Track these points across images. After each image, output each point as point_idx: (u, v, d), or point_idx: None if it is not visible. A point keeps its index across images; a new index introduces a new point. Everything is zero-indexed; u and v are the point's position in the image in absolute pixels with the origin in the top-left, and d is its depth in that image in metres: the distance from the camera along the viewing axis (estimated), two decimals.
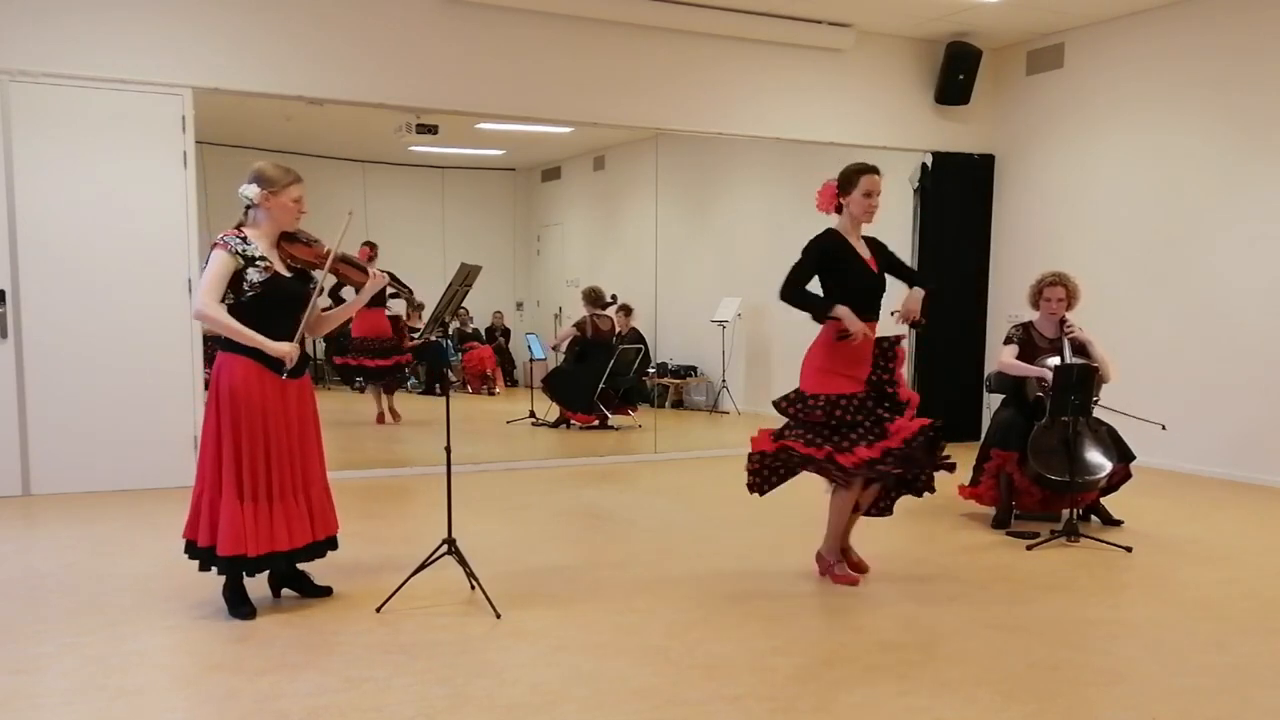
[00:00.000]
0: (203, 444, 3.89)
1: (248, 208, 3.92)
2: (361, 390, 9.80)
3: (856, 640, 3.76)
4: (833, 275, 4.35)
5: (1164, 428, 5.63)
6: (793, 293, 4.28)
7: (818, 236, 4.38)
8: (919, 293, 4.39)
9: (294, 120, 8.38)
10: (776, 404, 4.39)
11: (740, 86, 7.93)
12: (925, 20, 7.98)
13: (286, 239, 3.97)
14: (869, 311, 4.35)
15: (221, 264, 3.78)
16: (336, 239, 3.97)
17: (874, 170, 4.33)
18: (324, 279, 4.07)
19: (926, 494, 4.53)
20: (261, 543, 3.83)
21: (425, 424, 9.52)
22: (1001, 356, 5.67)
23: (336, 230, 3.97)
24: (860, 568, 4.57)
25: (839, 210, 4.39)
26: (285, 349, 3.85)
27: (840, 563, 4.50)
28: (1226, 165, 7.17)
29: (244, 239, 3.85)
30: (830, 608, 4.16)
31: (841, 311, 4.22)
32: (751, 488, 4.54)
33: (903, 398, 4.39)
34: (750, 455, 4.53)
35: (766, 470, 4.50)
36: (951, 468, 4.46)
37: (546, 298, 12.65)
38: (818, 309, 4.28)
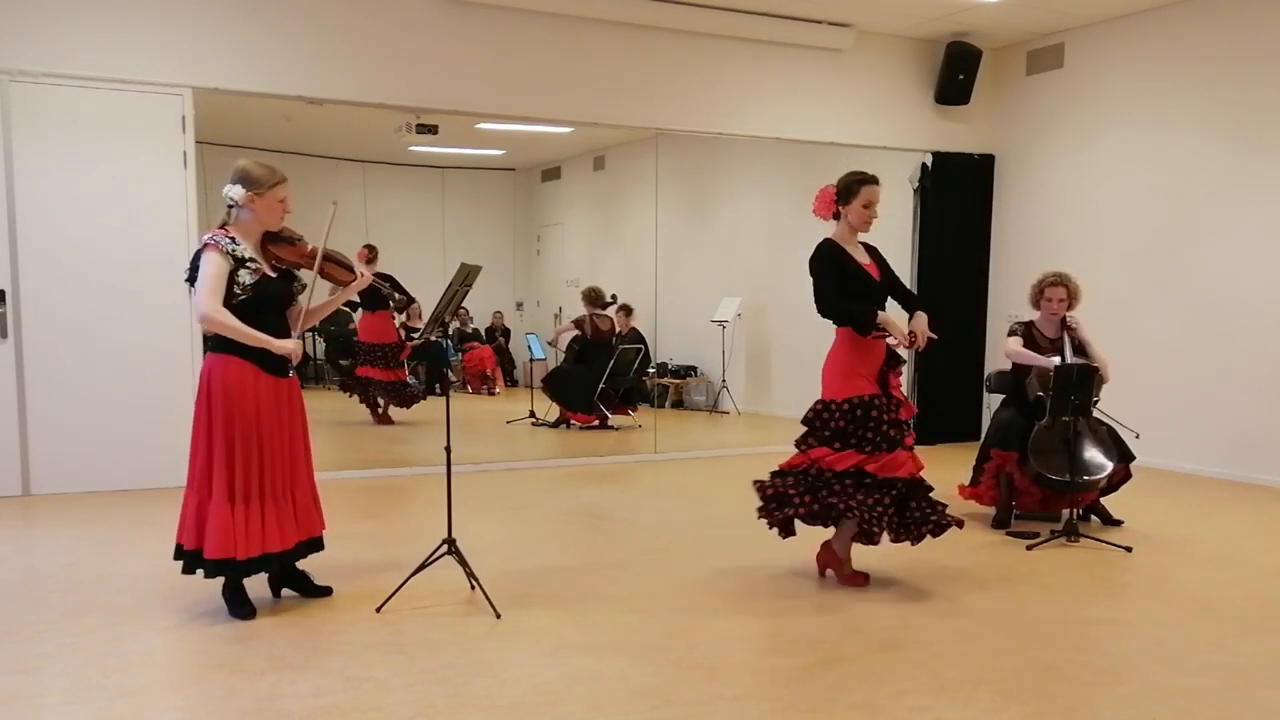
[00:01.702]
0: (193, 446, 3.86)
1: (230, 208, 3.87)
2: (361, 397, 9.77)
3: (856, 640, 3.77)
4: (838, 284, 4.26)
5: (1137, 435, 5.59)
6: (832, 307, 4.21)
7: (821, 247, 4.29)
8: (924, 316, 4.33)
9: (294, 120, 8.38)
10: (806, 419, 4.33)
11: (740, 86, 7.93)
12: (925, 20, 7.98)
13: (270, 239, 3.94)
14: None
15: (216, 265, 3.75)
16: (323, 232, 3.95)
17: (874, 180, 4.27)
18: (313, 280, 4.03)
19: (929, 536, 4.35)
20: (252, 546, 3.81)
21: (425, 424, 9.52)
22: (1007, 345, 5.65)
23: (322, 224, 3.96)
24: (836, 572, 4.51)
25: (836, 217, 4.33)
26: (290, 346, 3.84)
27: (849, 562, 4.48)
28: (1226, 165, 7.17)
29: (233, 239, 3.82)
30: (830, 608, 4.16)
31: (886, 320, 4.19)
32: (768, 516, 4.39)
33: (903, 414, 4.32)
34: (768, 477, 4.40)
35: (783, 496, 4.33)
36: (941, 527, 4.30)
37: (546, 298, 12.65)
38: (863, 321, 4.18)
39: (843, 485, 4.21)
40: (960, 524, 4.35)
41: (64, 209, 6.18)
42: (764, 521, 4.44)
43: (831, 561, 4.52)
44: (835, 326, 4.30)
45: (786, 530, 4.44)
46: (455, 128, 8.54)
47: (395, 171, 11.61)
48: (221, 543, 3.76)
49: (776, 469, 4.44)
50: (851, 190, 4.25)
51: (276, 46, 6.55)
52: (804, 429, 4.35)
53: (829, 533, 4.52)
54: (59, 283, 6.19)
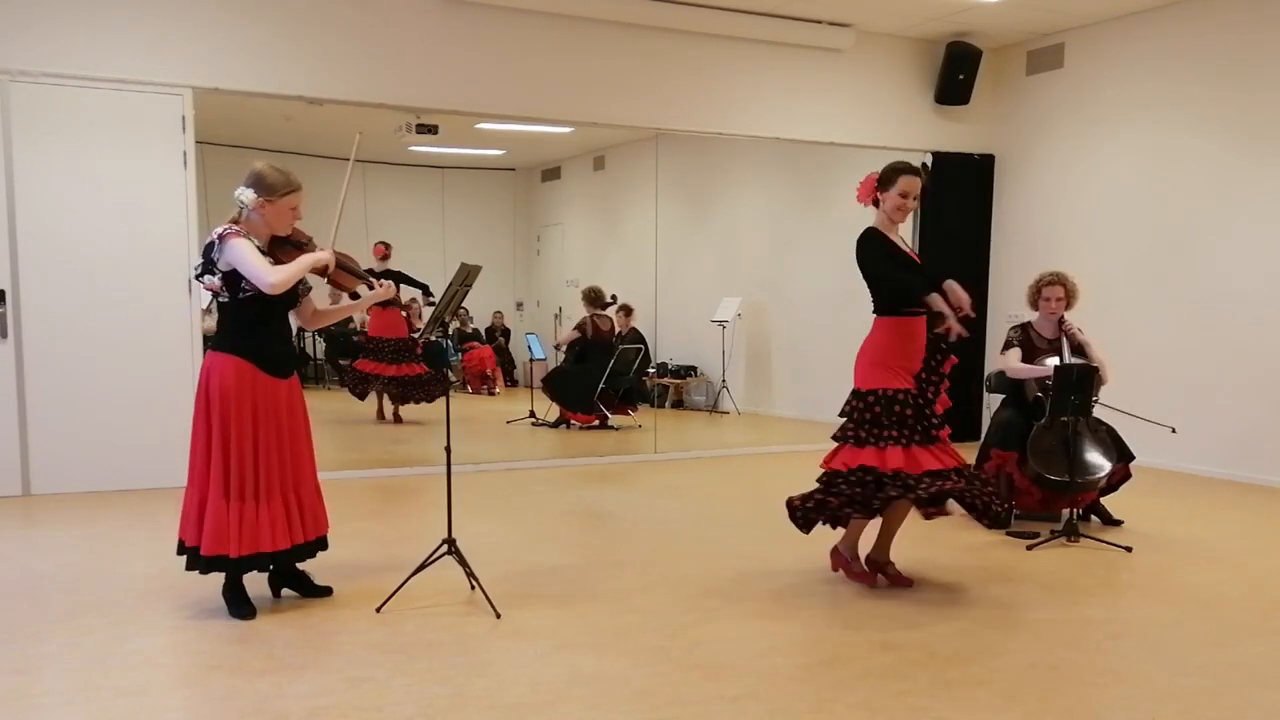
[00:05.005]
0: (192, 445, 3.87)
1: (240, 209, 3.86)
2: (363, 397, 9.78)
3: (856, 640, 3.76)
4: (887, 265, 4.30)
5: (1174, 430, 5.62)
6: (888, 275, 4.23)
7: (864, 234, 4.30)
8: (953, 282, 4.26)
9: (294, 120, 8.38)
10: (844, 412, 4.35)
11: (740, 86, 7.93)
12: (925, 20, 7.98)
13: (278, 243, 3.93)
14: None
15: (249, 247, 3.73)
16: (346, 168, 3.95)
17: (915, 172, 4.28)
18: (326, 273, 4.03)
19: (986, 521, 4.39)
20: (245, 543, 3.81)
21: (425, 424, 9.53)
22: (1007, 361, 5.63)
23: (328, 225, 3.96)
24: (900, 581, 4.46)
25: (876, 204, 4.34)
26: (325, 256, 3.90)
27: (856, 560, 4.48)
28: (1226, 165, 7.17)
29: (246, 235, 3.81)
30: (830, 608, 4.16)
31: (933, 299, 4.17)
32: (802, 521, 4.37)
33: (939, 409, 4.31)
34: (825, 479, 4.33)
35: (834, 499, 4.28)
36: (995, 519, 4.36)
37: (546, 298, 12.64)
38: (914, 286, 4.19)
39: (849, 483, 4.22)
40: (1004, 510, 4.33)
41: (64, 209, 6.18)
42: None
43: (840, 563, 4.55)
44: (875, 316, 4.30)
45: (808, 527, 4.43)
46: (455, 128, 8.53)
47: (395, 171, 11.60)
48: (216, 539, 3.78)
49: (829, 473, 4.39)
50: (890, 179, 4.26)
51: (276, 46, 6.55)
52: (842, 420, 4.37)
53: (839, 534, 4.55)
54: (59, 283, 6.19)
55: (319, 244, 4.01)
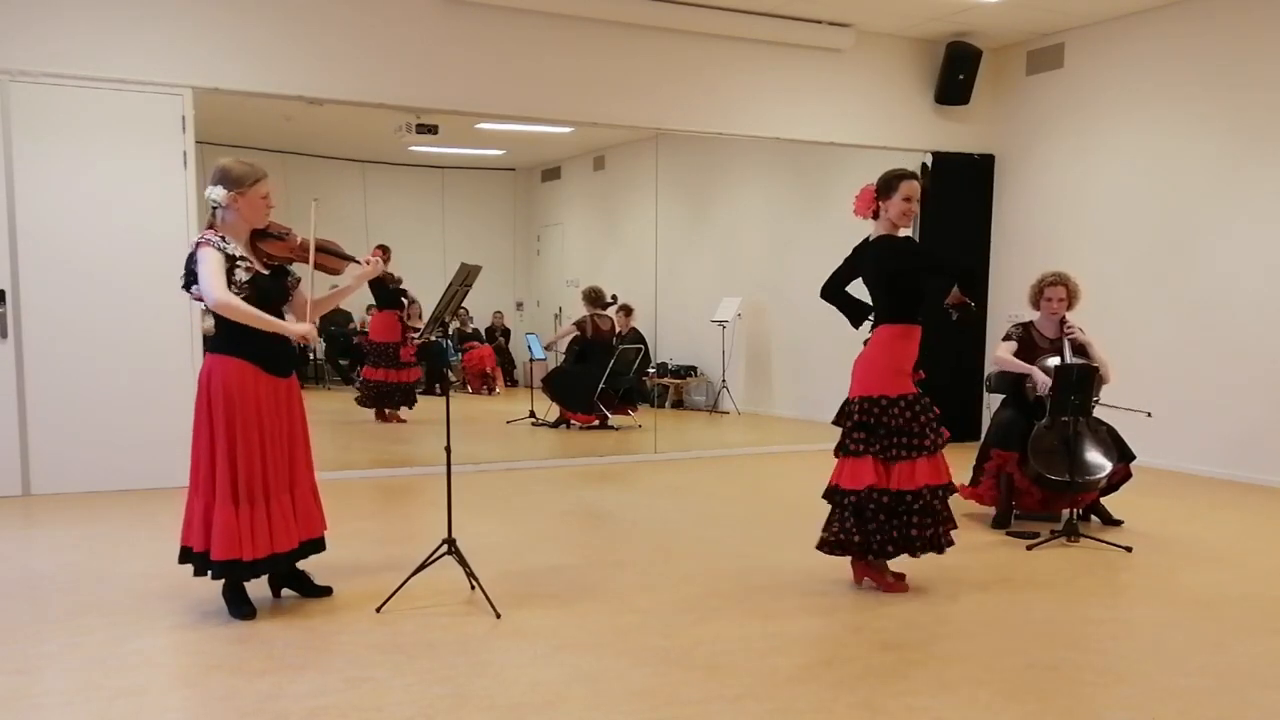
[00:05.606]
0: (194, 448, 3.85)
1: (214, 209, 3.85)
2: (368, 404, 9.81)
3: (856, 640, 3.77)
4: (916, 276, 4.32)
5: (1149, 415, 5.61)
6: (956, 261, 4.49)
7: (885, 240, 4.30)
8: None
9: (294, 120, 8.38)
10: (841, 421, 4.31)
11: (740, 86, 7.93)
12: (925, 20, 7.98)
13: (258, 236, 3.93)
14: None
15: (214, 259, 3.73)
16: (308, 232, 3.96)
17: (913, 176, 4.30)
18: (310, 273, 4.03)
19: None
20: (259, 546, 3.81)
21: (425, 424, 9.52)
22: (997, 351, 5.69)
23: (306, 224, 3.97)
24: (899, 580, 4.43)
25: (875, 215, 4.33)
26: (304, 329, 3.88)
27: (887, 569, 4.42)
28: (1226, 165, 7.17)
29: (223, 238, 3.81)
30: (830, 608, 4.16)
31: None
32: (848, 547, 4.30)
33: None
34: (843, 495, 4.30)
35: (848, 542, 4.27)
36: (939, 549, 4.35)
37: (546, 298, 12.65)
38: (976, 272, 4.42)
39: (879, 506, 4.20)
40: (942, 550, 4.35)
41: (64, 209, 6.17)
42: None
43: (869, 573, 4.43)
44: (884, 322, 4.30)
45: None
46: (455, 128, 8.54)
47: (395, 171, 11.61)
48: (227, 544, 3.77)
49: (836, 496, 4.34)
50: (891, 185, 4.27)
51: (276, 46, 6.55)
52: (845, 430, 4.30)
53: None
54: (59, 283, 6.19)
55: (298, 235, 4.01)
